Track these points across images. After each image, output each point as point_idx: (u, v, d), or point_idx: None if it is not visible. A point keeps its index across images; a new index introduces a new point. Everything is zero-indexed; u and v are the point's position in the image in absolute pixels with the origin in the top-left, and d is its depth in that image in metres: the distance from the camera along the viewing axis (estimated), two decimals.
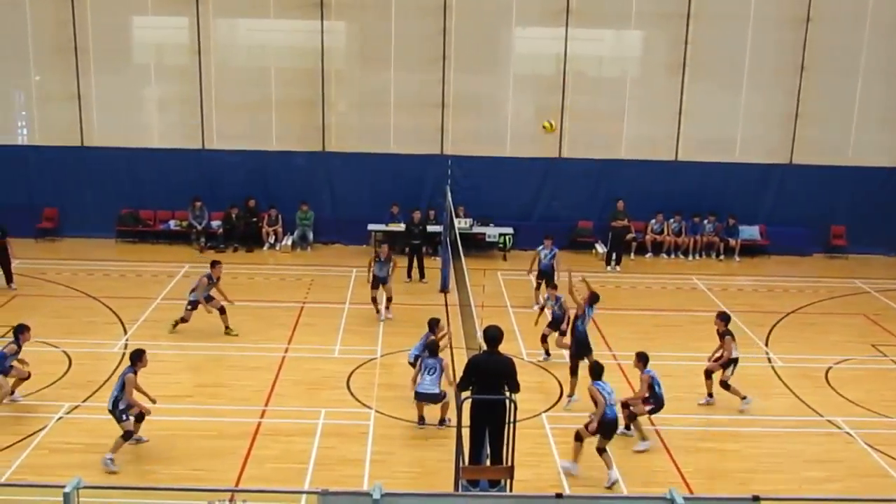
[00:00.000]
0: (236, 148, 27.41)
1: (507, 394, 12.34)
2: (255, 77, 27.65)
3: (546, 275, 21.76)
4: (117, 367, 17.32)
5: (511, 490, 12.01)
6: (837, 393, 17.67)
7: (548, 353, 18.67)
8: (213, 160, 27.50)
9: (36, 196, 27.32)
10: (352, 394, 16.97)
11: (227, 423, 15.57)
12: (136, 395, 14.43)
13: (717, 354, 16.88)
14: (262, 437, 15.15)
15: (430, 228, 25.32)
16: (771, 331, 21.18)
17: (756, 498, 9.32)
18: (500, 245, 27.02)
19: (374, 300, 21.00)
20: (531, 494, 11.65)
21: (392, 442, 15.13)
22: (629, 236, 26.84)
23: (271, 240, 27.23)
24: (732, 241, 27.50)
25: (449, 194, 22.76)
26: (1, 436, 14.76)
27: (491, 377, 12.40)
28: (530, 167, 27.68)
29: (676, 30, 27.10)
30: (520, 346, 19.09)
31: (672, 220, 27.53)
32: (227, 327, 19.65)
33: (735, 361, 16.70)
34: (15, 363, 15.78)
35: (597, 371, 14.57)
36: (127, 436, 14.09)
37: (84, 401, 16.11)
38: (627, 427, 15.39)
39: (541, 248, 22.16)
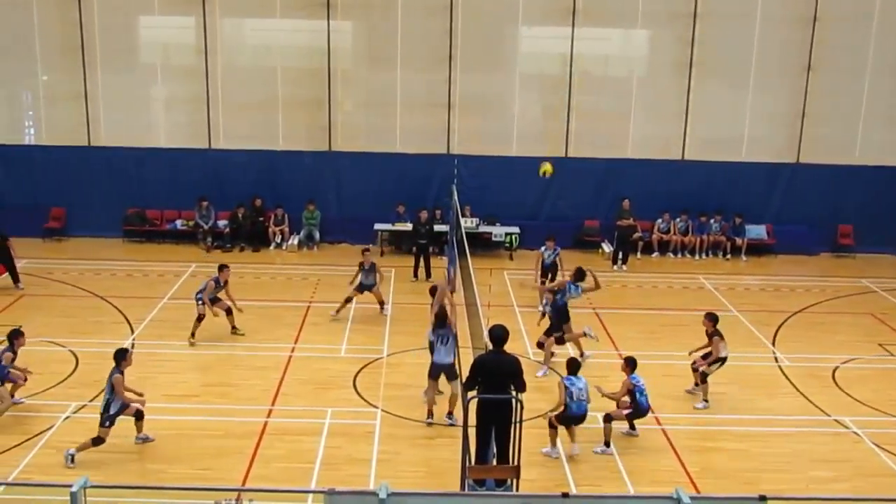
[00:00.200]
0: (243, 147, 27.44)
1: (514, 393, 12.35)
2: (262, 77, 27.69)
3: (550, 272, 21.78)
4: None
5: (517, 489, 12.01)
6: (845, 392, 17.63)
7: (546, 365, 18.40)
8: (219, 160, 27.54)
9: (43, 196, 27.37)
10: (358, 393, 16.98)
11: (234, 423, 15.58)
12: (129, 395, 14.46)
13: (705, 353, 16.98)
14: (269, 437, 15.16)
15: (436, 228, 25.33)
16: (778, 330, 21.15)
17: (763, 497, 9.31)
18: (507, 244, 27.02)
19: (349, 299, 20.91)
20: (538, 494, 11.64)
21: (398, 441, 15.13)
22: (636, 235, 26.81)
23: (278, 239, 27.26)
24: (739, 241, 27.46)
25: (455, 194, 22.76)
26: (8, 435, 14.79)
27: (497, 377, 12.41)
28: (536, 166, 27.56)
29: (683, 29, 27.06)
30: (526, 346, 19.06)
31: (678, 220, 27.49)
32: (233, 327, 19.65)
33: (723, 360, 16.74)
34: (12, 370, 15.73)
35: (572, 367, 14.92)
36: (98, 441, 14.02)
37: (91, 400, 16.10)
38: (632, 427, 15.40)
39: (543, 248, 22.16)
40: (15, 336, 15.85)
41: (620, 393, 15.15)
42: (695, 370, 17.06)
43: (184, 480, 13.43)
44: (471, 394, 12.40)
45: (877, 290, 24.67)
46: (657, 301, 23.19)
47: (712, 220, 27.50)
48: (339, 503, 9.63)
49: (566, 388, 14.57)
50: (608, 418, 14.98)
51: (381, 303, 21.19)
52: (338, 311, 20.88)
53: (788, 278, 25.67)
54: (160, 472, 13.83)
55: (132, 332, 19.79)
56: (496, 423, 12.46)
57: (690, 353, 17.38)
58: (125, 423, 14.42)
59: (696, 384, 17.09)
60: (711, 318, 17.02)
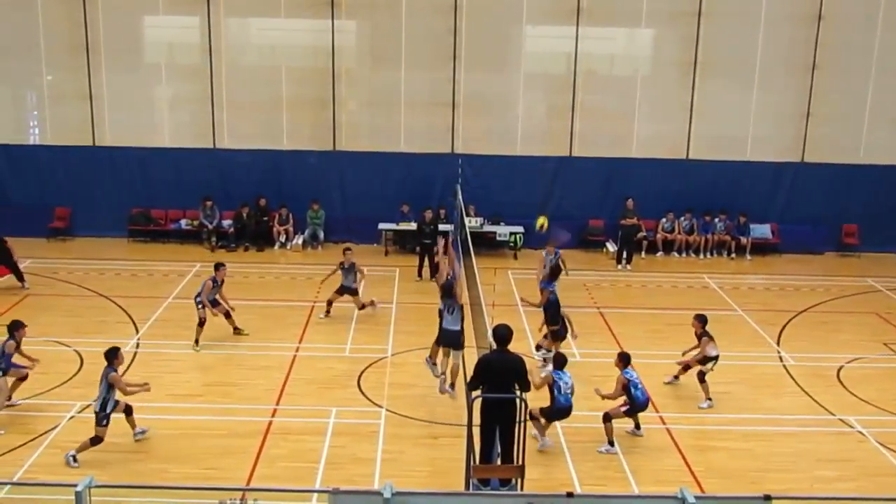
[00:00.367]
0: (247, 147, 27.46)
1: (518, 392, 12.35)
2: (266, 76, 27.70)
3: (553, 273, 21.72)
4: (129, 366, 17.39)
5: (522, 489, 12.01)
6: (849, 392, 17.60)
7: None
8: (224, 159, 27.56)
9: (48, 195, 27.41)
10: (363, 393, 16.98)
11: (238, 422, 15.59)
12: (132, 387, 14.52)
13: (693, 353, 17.10)
14: (273, 436, 15.17)
15: (441, 227, 25.31)
16: (782, 329, 21.12)
17: (767, 497, 9.30)
18: (511, 244, 27.02)
19: (330, 302, 20.81)
20: (542, 493, 11.63)
21: (403, 441, 15.13)
22: (639, 235, 26.80)
23: (282, 239, 27.28)
24: (744, 240, 27.44)
25: (459, 193, 22.76)
26: (13, 435, 14.82)
27: (501, 376, 12.41)
28: (541, 166, 27.66)
29: (688, 28, 27.04)
30: (530, 345, 19.04)
31: (683, 219, 27.47)
32: (235, 328, 19.57)
33: (715, 359, 16.78)
34: (20, 357, 15.80)
35: (558, 361, 15.13)
36: (96, 440, 14.02)
37: (96, 400, 16.10)
38: (637, 427, 15.40)
39: (544, 252, 22.10)
40: (16, 327, 15.91)
41: (617, 391, 15.13)
42: (684, 368, 17.28)
43: (188, 480, 13.45)
44: (475, 393, 12.40)
45: (882, 289, 24.64)
46: (661, 300, 23.16)
47: (717, 220, 27.47)
48: (344, 503, 9.64)
49: (554, 381, 14.70)
50: (607, 417, 14.98)
51: (363, 305, 20.85)
52: (327, 314, 20.82)
53: (793, 278, 25.64)
54: (165, 472, 13.84)
55: (137, 331, 19.81)
56: (500, 423, 12.46)
57: (683, 354, 17.43)
58: (121, 420, 14.42)
59: (676, 377, 17.42)
60: (700, 320, 17.11)
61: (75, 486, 9.05)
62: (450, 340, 16.21)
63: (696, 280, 25.04)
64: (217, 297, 19.27)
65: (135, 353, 18.40)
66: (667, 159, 27.65)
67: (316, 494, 12.90)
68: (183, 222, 27.62)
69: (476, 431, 12.48)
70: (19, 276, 22.51)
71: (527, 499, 10.25)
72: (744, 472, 14.43)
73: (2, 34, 27.00)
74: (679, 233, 27.48)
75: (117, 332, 19.64)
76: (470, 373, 12.89)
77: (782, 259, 27.60)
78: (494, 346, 12.67)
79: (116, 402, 14.27)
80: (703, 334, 16.91)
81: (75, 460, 13.91)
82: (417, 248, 24.96)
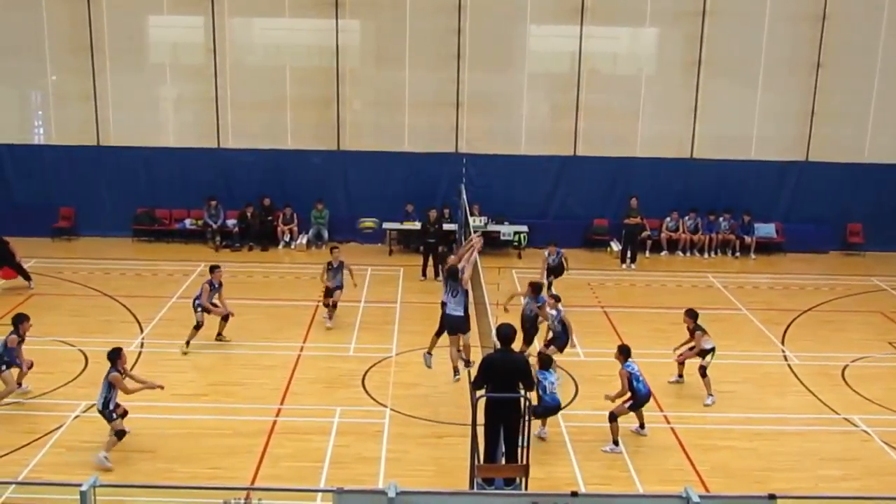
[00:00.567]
0: (251, 147, 27.48)
1: (522, 392, 12.35)
2: (271, 76, 27.72)
3: (556, 272, 21.78)
4: (133, 366, 17.41)
5: (526, 488, 12.02)
6: (854, 391, 17.58)
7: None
8: (228, 159, 27.59)
9: (52, 195, 27.44)
10: (367, 392, 16.99)
11: (243, 422, 15.61)
12: (134, 384, 14.54)
13: (688, 347, 17.18)
14: (278, 436, 15.18)
15: (445, 227, 25.32)
16: (787, 329, 21.10)
17: (772, 496, 9.31)
18: (515, 243, 27.01)
19: (326, 305, 20.42)
20: (547, 493, 11.64)
21: (407, 440, 15.13)
22: (644, 234, 26.78)
23: (286, 238, 27.30)
24: (748, 239, 27.41)
25: (464, 192, 22.78)
26: (18, 434, 14.83)
27: (505, 376, 12.42)
28: (545, 165, 27.66)
29: (692, 27, 27.02)
30: (534, 345, 19.01)
31: (687, 218, 27.44)
32: (219, 333, 19.15)
33: (712, 351, 16.83)
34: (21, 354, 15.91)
35: (543, 361, 15.10)
36: (120, 434, 14.05)
37: (98, 400, 16.14)
38: (642, 426, 15.39)
39: (546, 253, 22.11)
40: (20, 320, 16.03)
41: (624, 387, 15.06)
42: (680, 363, 17.42)
43: (193, 479, 13.46)
44: (479, 393, 12.40)
45: (886, 288, 24.60)
46: (666, 300, 23.12)
47: (721, 219, 27.44)
48: (348, 502, 9.65)
49: (539, 381, 14.58)
50: (612, 417, 14.95)
51: (335, 305, 20.28)
52: (330, 318, 20.35)
53: (798, 277, 25.61)
54: (169, 472, 13.85)
55: (141, 331, 19.82)
56: (505, 422, 12.46)
57: (675, 350, 17.55)
58: (129, 420, 14.44)
59: (680, 375, 17.49)
60: (691, 315, 17.17)
61: (80, 485, 9.07)
62: (454, 325, 16.30)
63: (700, 279, 25.02)
64: (217, 300, 19.04)
65: (139, 353, 18.43)
66: (671, 158, 27.64)
67: (320, 494, 12.89)
68: (187, 222, 27.65)
69: (480, 431, 12.48)
70: (25, 276, 22.54)
71: (531, 498, 10.27)
72: (748, 472, 14.42)
73: (6, 34, 27.05)
74: (683, 232, 27.46)
75: (122, 331, 19.66)
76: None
77: (787, 258, 27.57)
78: (498, 345, 12.67)
79: (118, 404, 14.26)
80: (695, 328, 16.98)
81: (108, 459, 13.88)
82: (421, 248, 24.96)
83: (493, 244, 26.51)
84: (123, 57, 27.25)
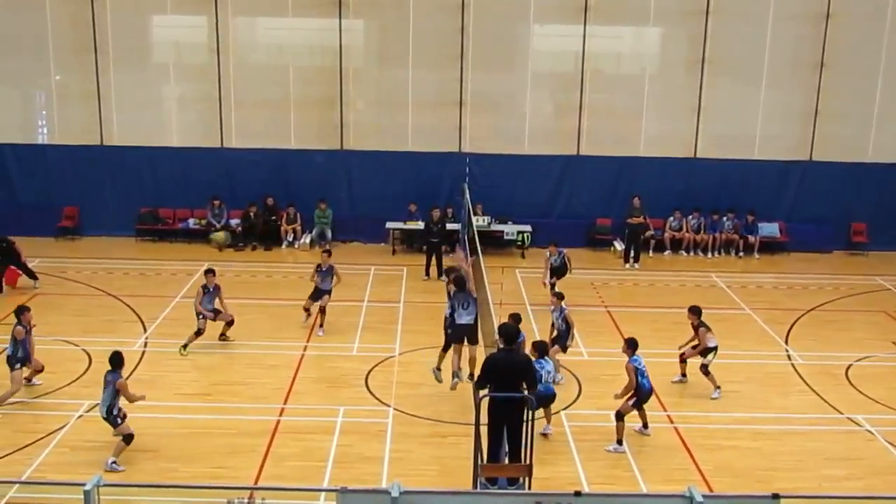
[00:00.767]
0: (255, 146, 27.49)
1: (525, 391, 12.35)
2: (274, 76, 27.74)
3: (559, 272, 21.75)
4: (136, 365, 17.44)
5: (529, 488, 12.01)
6: (858, 390, 17.56)
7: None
8: (231, 159, 27.60)
9: (56, 195, 27.48)
10: (370, 392, 16.99)
11: (246, 421, 15.62)
12: (138, 391, 14.56)
13: (692, 344, 17.21)
14: (281, 435, 15.18)
15: (448, 226, 25.32)
16: (791, 328, 21.08)
17: (776, 496, 9.29)
18: (519, 243, 27.01)
19: (306, 310, 20.12)
20: (550, 492, 11.63)
21: (410, 440, 15.13)
22: (647, 233, 26.76)
23: (290, 238, 27.30)
24: (752, 239, 27.39)
25: (467, 192, 22.77)
26: (22, 434, 14.85)
27: (508, 375, 12.41)
28: (548, 165, 27.65)
29: (695, 26, 27.01)
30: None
31: (691, 217, 27.42)
32: (223, 333, 19.10)
33: (714, 349, 16.86)
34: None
35: (539, 349, 15.25)
36: (128, 439, 14.00)
37: (101, 405, 16.15)
38: (645, 425, 15.38)
39: (548, 253, 22.06)
40: (21, 312, 16.09)
41: (631, 381, 14.99)
42: (682, 361, 17.44)
43: (196, 479, 13.46)
44: (482, 392, 12.40)
45: (890, 287, 24.59)
46: (669, 299, 23.11)
47: (725, 218, 27.42)
48: (352, 501, 9.65)
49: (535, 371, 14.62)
50: (619, 416, 14.93)
51: (323, 310, 19.93)
52: (321, 326, 19.97)
53: (801, 276, 25.59)
54: (173, 471, 13.86)
55: (145, 330, 19.84)
56: (508, 422, 12.46)
57: (680, 348, 17.59)
58: (132, 421, 14.44)
59: (683, 375, 17.48)
60: (695, 312, 17.21)
61: (83, 485, 9.07)
62: (465, 334, 16.23)
63: (703, 279, 25.01)
64: (218, 306, 18.93)
65: (143, 353, 18.44)
66: (674, 158, 27.62)
67: (324, 493, 12.91)
68: (191, 221, 27.66)
69: (484, 430, 12.48)
70: (31, 275, 22.56)
71: (535, 498, 10.25)
72: (752, 471, 14.41)
73: (10, 34, 27.09)
74: (687, 231, 27.44)
75: (125, 331, 19.68)
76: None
77: (790, 258, 27.55)
78: (501, 344, 12.66)
79: (120, 408, 14.23)
80: (699, 325, 17.01)
81: (117, 465, 13.82)
82: (425, 248, 24.95)
83: (496, 244, 26.54)
84: (127, 56, 27.27)
